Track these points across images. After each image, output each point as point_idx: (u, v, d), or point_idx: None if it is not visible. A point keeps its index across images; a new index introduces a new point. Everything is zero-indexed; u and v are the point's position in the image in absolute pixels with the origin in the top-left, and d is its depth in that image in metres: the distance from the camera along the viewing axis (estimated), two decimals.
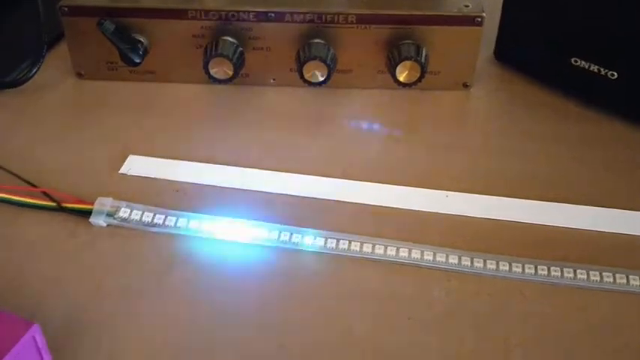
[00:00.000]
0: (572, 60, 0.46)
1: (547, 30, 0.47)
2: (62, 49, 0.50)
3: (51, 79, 0.48)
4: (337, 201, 0.40)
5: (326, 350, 0.32)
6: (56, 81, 0.49)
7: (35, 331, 0.28)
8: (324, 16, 0.45)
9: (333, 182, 0.41)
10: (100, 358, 0.31)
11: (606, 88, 0.45)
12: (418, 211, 0.39)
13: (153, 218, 0.37)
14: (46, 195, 0.38)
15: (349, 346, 0.32)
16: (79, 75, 0.49)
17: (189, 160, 0.42)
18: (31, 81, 0.47)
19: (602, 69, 0.45)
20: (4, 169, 0.39)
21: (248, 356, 0.31)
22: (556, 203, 0.39)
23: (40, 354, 0.29)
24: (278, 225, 0.37)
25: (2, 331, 0.28)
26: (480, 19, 0.46)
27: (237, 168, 0.42)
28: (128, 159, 0.42)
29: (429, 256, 0.35)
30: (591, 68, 0.45)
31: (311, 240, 0.36)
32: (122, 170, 0.41)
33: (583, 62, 0.46)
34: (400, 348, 0.32)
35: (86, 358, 0.31)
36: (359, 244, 0.36)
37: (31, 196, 0.38)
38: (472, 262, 0.35)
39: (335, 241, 0.36)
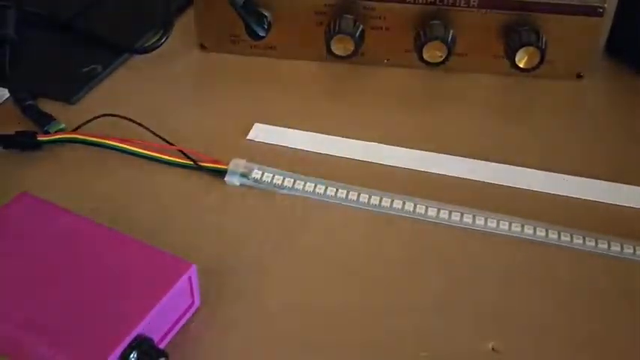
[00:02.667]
0: None
1: None
2: (182, 21, 0.52)
3: (175, 48, 0.51)
4: (450, 176, 0.41)
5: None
6: (180, 51, 0.51)
7: (192, 272, 0.31)
8: None
9: (445, 158, 0.42)
10: (240, 303, 0.33)
11: None
12: (536, 191, 0.40)
13: (283, 181, 0.39)
14: (182, 153, 0.40)
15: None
16: (202, 47, 0.51)
17: (308, 131, 0.44)
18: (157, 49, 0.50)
19: None
20: (144, 127, 0.41)
21: (378, 309, 0.33)
22: None
23: (192, 294, 0.31)
24: (397, 194, 0.38)
25: (162, 269, 0.30)
26: (601, 10, 0.46)
27: (355, 141, 0.43)
28: (254, 126, 0.44)
29: (553, 234, 0.36)
30: None
31: (433, 212, 0.37)
32: (249, 136, 0.43)
33: None
34: None
35: (228, 304, 0.33)
36: (483, 219, 0.37)
37: (169, 153, 0.40)
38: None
39: (459, 214, 0.37)
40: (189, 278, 0.31)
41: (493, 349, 0.31)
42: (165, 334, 0.30)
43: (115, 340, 0.27)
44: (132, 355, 0.28)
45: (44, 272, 0.30)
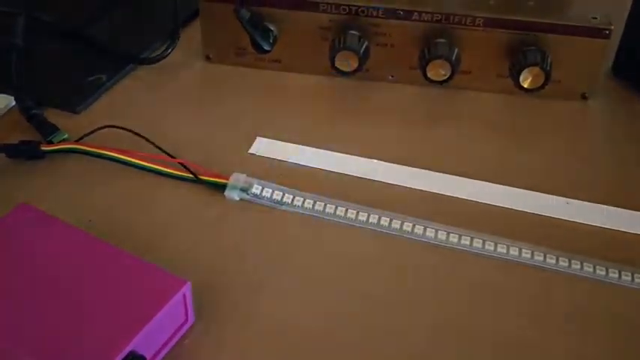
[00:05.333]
0: None
1: None
2: (188, 33, 0.53)
3: (180, 59, 0.51)
4: (450, 196, 0.41)
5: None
6: (185, 62, 0.51)
7: (186, 289, 0.31)
8: (451, 17, 0.46)
9: (446, 178, 0.42)
10: (235, 319, 0.33)
11: None
12: (535, 214, 0.40)
13: (282, 197, 0.39)
14: (183, 166, 0.41)
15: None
16: (207, 58, 0.51)
17: (310, 146, 0.44)
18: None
19: None
20: (145, 139, 0.42)
21: (372, 330, 0.33)
22: None
23: (186, 311, 0.32)
24: (395, 214, 0.38)
25: (156, 285, 0.31)
26: (607, 32, 0.46)
27: (356, 157, 0.43)
28: (256, 140, 0.44)
29: (551, 259, 0.36)
30: None
31: (432, 233, 0.37)
32: (252, 150, 0.43)
33: None
34: None
35: (222, 320, 0.33)
36: (481, 241, 0.37)
37: (170, 166, 0.41)
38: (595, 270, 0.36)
39: (457, 236, 0.37)
40: (184, 295, 0.31)
41: None
42: (159, 351, 0.30)
43: (108, 356, 0.27)
44: None
45: (39, 285, 0.30)
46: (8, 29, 0.49)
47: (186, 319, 0.32)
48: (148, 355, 0.29)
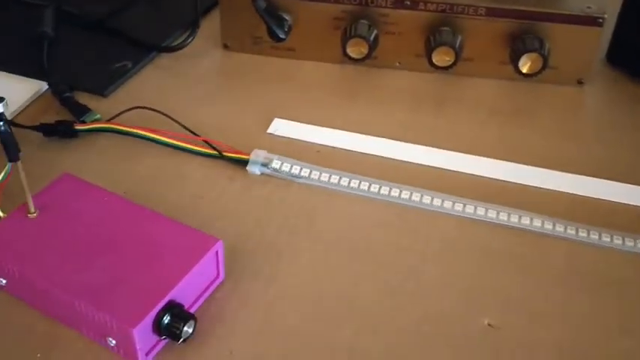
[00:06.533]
0: None
1: None
2: (207, 23, 0.56)
3: (200, 48, 0.54)
4: (454, 171, 0.44)
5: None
6: (204, 50, 0.54)
7: (219, 247, 0.34)
8: (455, 7, 0.49)
9: (450, 154, 0.45)
10: (261, 278, 0.36)
11: None
12: (534, 187, 0.43)
13: (300, 171, 0.42)
14: (207, 143, 0.44)
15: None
16: (225, 46, 0.55)
17: (323, 127, 0.47)
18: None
19: None
20: (171, 118, 0.45)
21: (384, 291, 0.36)
22: None
23: (218, 268, 0.35)
24: (405, 186, 0.42)
25: (192, 243, 0.34)
26: (601, 20, 0.49)
27: (366, 136, 0.46)
28: (274, 121, 0.47)
29: (549, 224, 0.39)
30: None
31: (438, 202, 0.41)
32: (270, 130, 0.46)
33: None
34: None
35: (248, 280, 0.36)
36: (484, 209, 0.40)
37: (195, 143, 0.44)
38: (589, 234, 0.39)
39: (462, 205, 0.40)
40: (216, 252, 0.34)
41: (489, 324, 0.35)
42: (194, 302, 0.34)
43: (151, 304, 0.31)
44: (165, 318, 0.31)
45: (88, 244, 0.33)
46: (39, 20, 0.53)
47: (218, 275, 0.35)
48: (185, 305, 0.32)
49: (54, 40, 0.52)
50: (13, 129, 0.33)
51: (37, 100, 0.48)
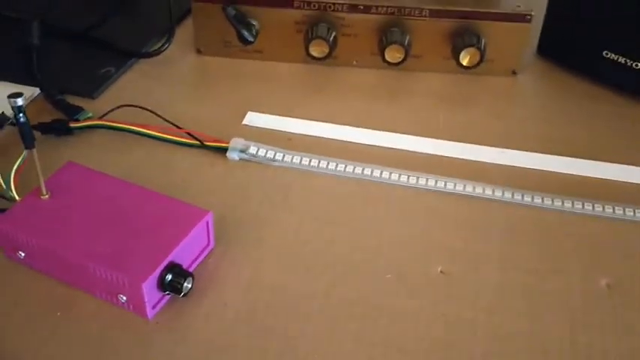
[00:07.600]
0: (604, 53, 0.56)
1: (582, 28, 0.57)
2: (181, 30, 0.61)
3: (175, 53, 0.60)
4: (407, 150, 0.51)
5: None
6: (180, 55, 0.60)
7: (209, 217, 0.39)
8: (403, 10, 0.56)
9: (403, 137, 0.52)
10: (247, 244, 0.42)
11: (633, 76, 0.55)
12: (477, 161, 0.50)
13: (275, 155, 0.48)
14: (190, 135, 0.49)
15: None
16: (199, 51, 0.60)
17: (294, 117, 0.53)
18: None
19: (628, 60, 0.55)
20: (156, 114, 0.50)
21: (353, 248, 0.42)
22: (590, 160, 0.50)
23: (208, 238, 0.40)
24: (366, 164, 0.48)
25: (183, 215, 0.39)
26: (529, 17, 0.56)
27: (333, 125, 0.53)
28: (248, 114, 0.53)
29: (489, 191, 0.46)
30: (619, 60, 0.56)
31: (395, 176, 0.47)
32: (245, 122, 0.52)
33: (613, 55, 0.56)
34: None
35: (235, 246, 0.42)
36: (425, 179, 0.47)
37: (179, 135, 0.49)
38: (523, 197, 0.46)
39: (415, 177, 0.47)
40: (207, 222, 0.39)
41: (441, 271, 0.41)
42: (190, 265, 0.39)
43: (156, 263, 0.36)
44: (167, 276, 0.36)
45: (96, 219, 0.39)
46: (26, 33, 0.58)
47: (209, 243, 0.40)
48: (183, 266, 0.37)
49: (41, 51, 0.57)
50: (14, 127, 0.37)
51: (31, 104, 0.53)
